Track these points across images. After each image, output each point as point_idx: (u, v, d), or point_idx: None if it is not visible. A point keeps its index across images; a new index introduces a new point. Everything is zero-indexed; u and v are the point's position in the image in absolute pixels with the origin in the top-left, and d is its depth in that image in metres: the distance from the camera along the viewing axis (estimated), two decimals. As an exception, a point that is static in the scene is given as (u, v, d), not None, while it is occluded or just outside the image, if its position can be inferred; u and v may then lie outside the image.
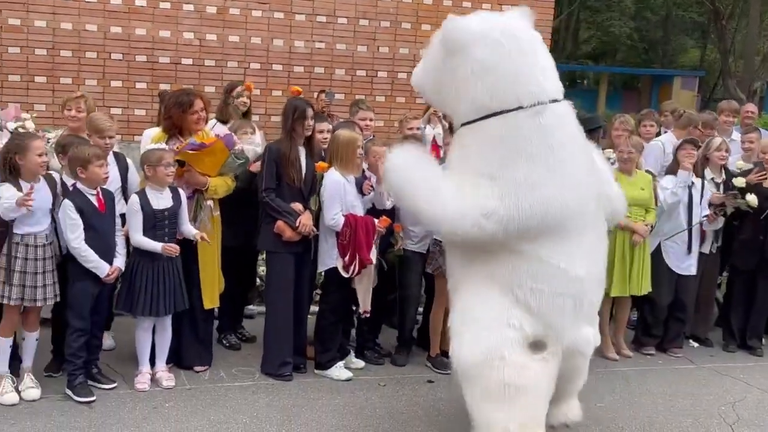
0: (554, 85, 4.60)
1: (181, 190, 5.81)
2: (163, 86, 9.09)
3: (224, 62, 9.62)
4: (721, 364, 7.19)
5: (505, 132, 4.44)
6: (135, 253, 5.72)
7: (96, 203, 5.49)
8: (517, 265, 4.53)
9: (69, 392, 5.50)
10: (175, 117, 6.02)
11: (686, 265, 7.18)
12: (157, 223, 5.67)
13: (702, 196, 7.18)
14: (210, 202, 6.03)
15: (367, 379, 6.23)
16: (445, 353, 6.18)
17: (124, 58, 9.41)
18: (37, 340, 5.62)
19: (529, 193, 4.35)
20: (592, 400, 5.99)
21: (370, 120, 7.41)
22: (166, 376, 5.88)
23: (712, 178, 7.37)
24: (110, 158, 5.96)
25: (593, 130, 7.41)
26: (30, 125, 6.14)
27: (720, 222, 7.36)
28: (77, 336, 5.51)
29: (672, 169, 7.15)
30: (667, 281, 7.09)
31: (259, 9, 9.68)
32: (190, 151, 5.87)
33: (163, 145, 5.86)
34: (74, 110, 6.18)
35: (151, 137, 6.16)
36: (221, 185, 6.04)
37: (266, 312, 6.30)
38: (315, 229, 6.04)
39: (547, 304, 4.51)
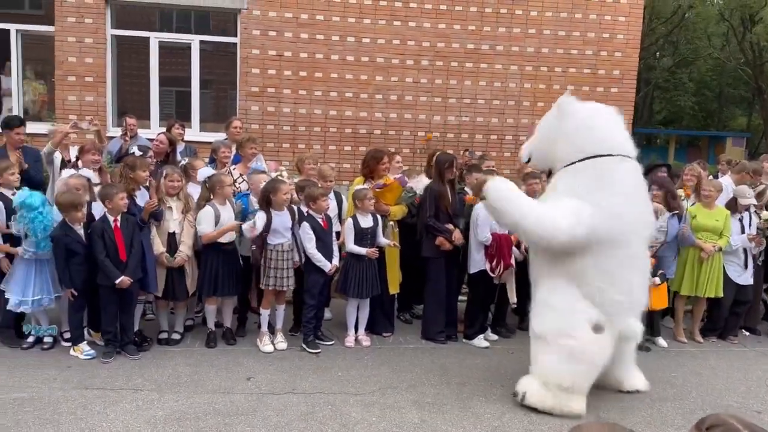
0: (633, 148, 4.68)
1: (378, 216, 5.98)
2: (362, 148, 9.51)
3: (401, 132, 9.88)
4: (767, 348, 6.69)
5: (596, 170, 4.50)
6: (348, 256, 5.87)
7: (322, 224, 5.79)
8: (588, 268, 4.49)
9: (304, 346, 5.76)
10: (372, 166, 6.28)
11: (744, 277, 6.72)
12: (363, 236, 5.83)
13: (750, 225, 6.74)
14: (391, 223, 6.18)
15: (500, 348, 6.19)
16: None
17: (337, 131, 9.82)
18: (284, 310, 5.95)
19: (612, 212, 4.39)
20: (666, 371, 5.74)
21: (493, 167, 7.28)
22: (365, 339, 6.03)
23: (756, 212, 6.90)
24: (331, 195, 6.26)
25: (664, 165, 8.04)
26: (285, 174, 6.43)
27: (764, 243, 6.88)
28: (310, 309, 5.79)
29: (730, 205, 6.77)
30: (730, 288, 6.67)
31: (424, 96, 9.91)
32: (377, 189, 6.08)
33: (365, 187, 6.15)
34: (310, 163, 6.62)
35: (356, 182, 6.46)
36: (398, 212, 6.20)
37: (426, 297, 6.29)
38: (463, 240, 6.09)
39: (607, 301, 4.50)
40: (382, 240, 5.98)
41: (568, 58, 10.11)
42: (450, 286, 6.21)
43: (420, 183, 6.61)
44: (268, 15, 9.47)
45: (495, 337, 6.41)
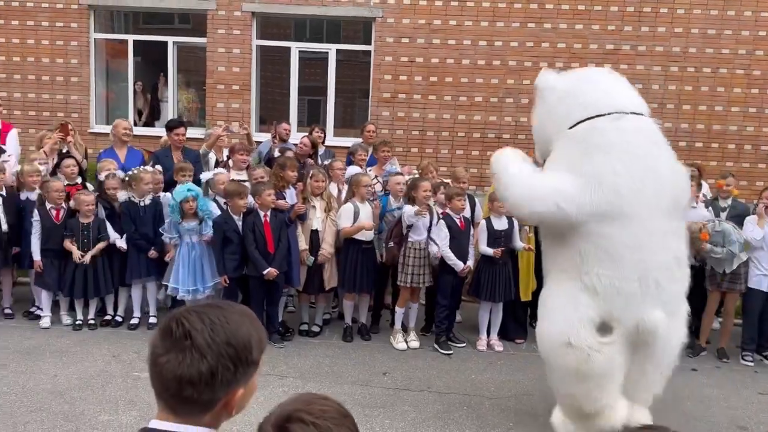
0: (635, 102, 3.90)
1: (513, 218, 5.87)
2: (490, 153, 9.48)
3: (515, 135, 9.63)
4: None
5: (587, 133, 3.77)
6: (482, 259, 5.88)
7: (459, 224, 5.83)
8: (586, 252, 3.66)
9: (436, 346, 5.83)
10: None
11: None
12: (497, 239, 5.81)
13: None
14: (526, 227, 6.04)
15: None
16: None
17: (465, 136, 9.85)
18: (416, 310, 6.05)
19: (603, 180, 3.59)
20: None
21: None
22: (497, 344, 5.98)
23: None
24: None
25: None
26: (416, 173, 6.60)
27: None
28: (443, 310, 5.85)
29: None
30: None
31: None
32: None
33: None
34: (431, 170, 6.62)
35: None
36: None
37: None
38: None
39: (612, 287, 3.61)
40: (517, 244, 5.94)
41: (718, 58, 9.48)
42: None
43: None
44: (401, 22, 9.72)
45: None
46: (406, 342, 5.90)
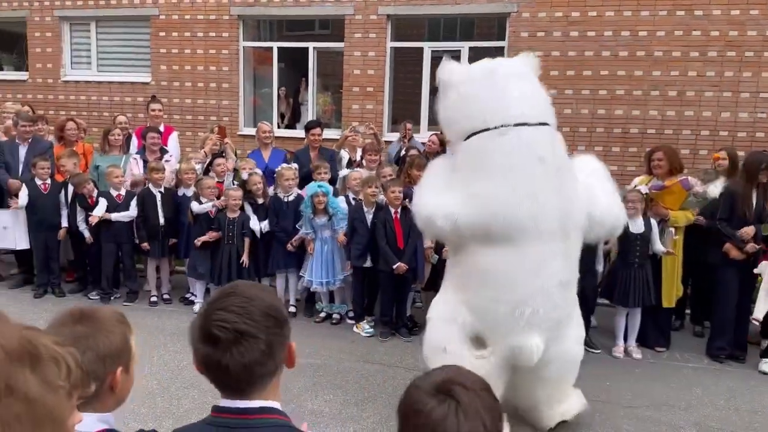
0: (526, 111, 3.60)
1: (652, 220, 5.60)
2: (632, 149, 9.01)
3: (680, 130, 9.09)
4: None
5: (474, 149, 3.68)
6: (618, 260, 5.64)
7: None
8: (470, 269, 3.74)
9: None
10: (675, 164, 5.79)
11: None
12: (631, 243, 5.52)
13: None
14: (672, 230, 5.69)
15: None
16: None
17: (605, 131, 9.41)
18: None
19: (482, 204, 3.54)
20: None
21: None
22: (636, 351, 5.69)
23: None
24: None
25: None
26: None
27: None
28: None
29: None
30: None
31: (710, 90, 8.97)
32: (654, 191, 5.71)
33: (642, 187, 5.80)
34: None
35: (638, 181, 6.12)
36: (681, 217, 5.70)
37: (714, 310, 5.73)
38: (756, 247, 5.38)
39: (486, 307, 3.65)
40: (657, 247, 5.59)
41: None
42: (742, 299, 5.59)
43: (717, 188, 5.96)
44: (537, 16, 9.48)
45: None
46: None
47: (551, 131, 3.72)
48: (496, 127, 3.59)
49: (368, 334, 5.94)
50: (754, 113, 8.81)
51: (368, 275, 6.05)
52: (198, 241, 6.24)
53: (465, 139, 3.75)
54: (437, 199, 3.77)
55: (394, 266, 5.68)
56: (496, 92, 3.67)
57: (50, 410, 0.91)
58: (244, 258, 6.23)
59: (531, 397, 4.04)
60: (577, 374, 4.14)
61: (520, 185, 3.52)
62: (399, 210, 5.78)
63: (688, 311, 6.52)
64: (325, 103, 11.92)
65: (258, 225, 6.32)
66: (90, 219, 6.30)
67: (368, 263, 5.93)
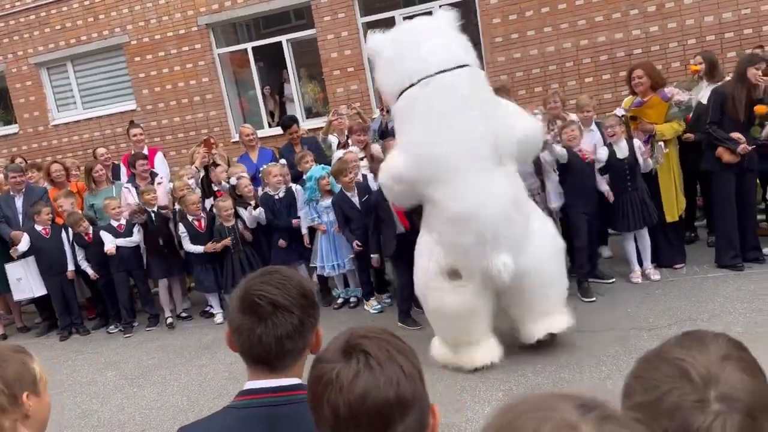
0: (443, 58, 3.94)
1: (636, 141, 5.49)
2: (622, 73, 8.79)
3: (666, 44, 8.85)
4: None
5: (404, 105, 4.04)
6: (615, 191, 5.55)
7: (581, 157, 5.46)
8: (431, 212, 4.17)
9: (578, 295, 5.43)
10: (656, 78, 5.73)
11: None
12: (619, 169, 5.47)
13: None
14: (661, 143, 5.55)
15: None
16: None
17: (592, 61, 9.20)
18: None
19: (420, 149, 3.96)
20: None
21: None
22: (653, 272, 5.62)
23: None
24: (593, 126, 5.94)
25: None
26: (539, 116, 6.13)
27: None
28: (580, 252, 5.52)
29: None
30: None
31: (689, -3, 8.70)
32: (635, 108, 5.64)
33: (617, 110, 5.72)
34: (557, 100, 6.32)
35: (625, 102, 6.04)
36: (667, 129, 5.59)
37: (714, 219, 5.65)
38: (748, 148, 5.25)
39: (453, 241, 4.03)
40: (647, 164, 5.49)
41: None
42: (742, 201, 5.47)
43: (703, 92, 5.90)
44: (499, -40, 9.29)
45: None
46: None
47: (471, 71, 4.06)
48: (419, 80, 3.91)
49: (376, 311, 5.97)
50: (737, 11, 8.54)
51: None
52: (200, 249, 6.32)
53: (396, 100, 4.12)
54: (386, 169, 4.28)
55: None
56: (413, 49, 4.00)
57: None
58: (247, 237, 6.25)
59: (518, 314, 4.42)
60: (564, 271, 4.50)
61: (448, 125, 3.88)
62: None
63: (697, 223, 6.42)
64: (314, 92, 11.87)
65: (245, 212, 6.26)
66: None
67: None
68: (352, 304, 6.34)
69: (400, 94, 4.03)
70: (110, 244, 6.40)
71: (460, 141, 3.87)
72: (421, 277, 4.36)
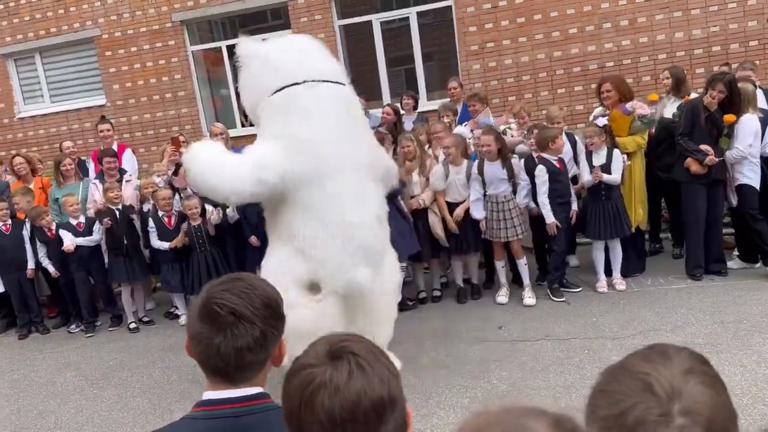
0: (329, 70, 4.09)
1: (616, 151, 5.51)
2: (594, 85, 8.90)
3: (638, 58, 9.02)
4: None
5: (285, 100, 3.94)
6: (587, 195, 5.66)
7: (557, 165, 5.56)
8: (294, 218, 3.88)
9: (549, 294, 5.65)
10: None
11: None
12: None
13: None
14: (623, 156, 5.60)
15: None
16: None
17: (565, 72, 9.31)
18: (525, 264, 5.75)
19: (302, 145, 3.81)
20: None
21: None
22: (620, 282, 5.68)
23: None
24: (564, 137, 6.03)
25: None
26: (514, 126, 6.38)
27: None
28: (556, 257, 5.67)
29: None
30: None
31: (660, 13, 8.88)
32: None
33: (599, 120, 5.78)
34: (523, 115, 6.36)
35: (596, 112, 6.18)
36: (630, 142, 5.68)
37: (685, 228, 5.75)
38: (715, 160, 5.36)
39: (318, 248, 3.81)
40: (606, 176, 5.52)
41: None
42: (711, 214, 5.58)
43: (668, 107, 6.03)
44: (477, -32, 9.36)
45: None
46: (521, 297, 5.74)
47: (352, 90, 4.24)
48: (305, 81, 3.93)
49: None
50: (706, 28, 8.75)
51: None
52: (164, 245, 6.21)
53: (270, 96, 3.99)
54: (246, 161, 3.86)
55: None
56: (301, 55, 4.07)
57: None
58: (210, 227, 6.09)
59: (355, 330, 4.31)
60: (396, 307, 4.42)
61: (334, 128, 3.90)
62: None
63: (662, 235, 6.55)
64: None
65: (213, 212, 6.14)
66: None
67: None
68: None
69: (277, 91, 3.95)
70: (69, 242, 6.23)
71: (345, 145, 3.91)
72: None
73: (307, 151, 3.80)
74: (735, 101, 5.32)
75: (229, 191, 3.87)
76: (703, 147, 5.38)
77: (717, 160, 5.37)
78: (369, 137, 4.39)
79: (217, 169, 3.83)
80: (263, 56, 4.08)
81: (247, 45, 4.20)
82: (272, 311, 1.38)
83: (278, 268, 3.91)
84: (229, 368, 1.35)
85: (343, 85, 4.15)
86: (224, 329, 1.32)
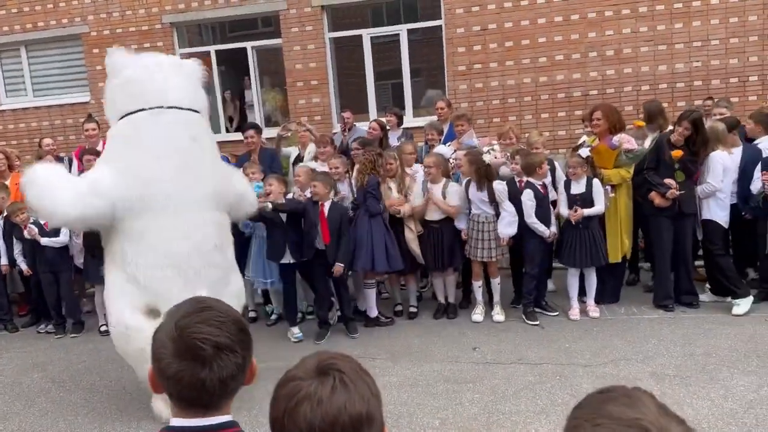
0: (182, 97, 4.09)
1: (595, 181, 5.60)
2: (578, 112, 9.05)
3: (621, 88, 9.18)
4: None
5: (130, 127, 4.00)
6: (565, 223, 5.69)
7: (541, 191, 5.63)
8: (126, 246, 3.93)
9: (523, 317, 5.70)
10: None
11: None
12: (571, 205, 5.62)
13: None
14: (608, 187, 5.73)
15: (758, 315, 5.48)
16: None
17: (549, 98, 9.45)
18: (498, 283, 5.84)
19: (137, 173, 3.87)
20: None
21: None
22: (593, 310, 5.73)
23: None
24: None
25: None
26: (497, 148, 6.37)
27: None
28: (531, 279, 5.73)
29: None
30: None
31: (645, 45, 9.06)
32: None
33: (582, 151, 5.85)
34: (511, 136, 6.44)
35: (585, 138, 6.27)
36: (614, 175, 5.76)
37: (655, 260, 5.84)
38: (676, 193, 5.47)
39: (151, 277, 3.87)
40: (588, 210, 5.60)
41: None
42: (680, 247, 5.67)
43: (648, 140, 6.14)
44: (470, -9, 9.47)
45: (748, 304, 5.57)
46: (491, 315, 5.81)
47: (202, 118, 4.27)
48: (152, 108, 3.95)
49: (297, 340, 5.70)
50: (689, 63, 8.94)
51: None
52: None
53: (119, 119, 4.06)
54: (80, 185, 3.93)
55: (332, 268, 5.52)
56: (157, 79, 4.04)
57: None
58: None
59: None
60: None
61: (173, 157, 3.94)
62: (326, 204, 5.56)
63: (640, 264, 6.64)
64: (276, 101, 11.78)
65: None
66: (29, 232, 6.02)
67: (289, 259, 5.59)
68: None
69: (125, 115, 4.02)
70: (33, 230, 6.03)
71: (182, 175, 3.95)
72: (119, 321, 4.03)
73: (141, 182, 3.86)
74: (699, 139, 5.43)
75: (63, 218, 3.99)
76: (667, 181, 5.49)
77: (678, 193, 5.47)
78: (217, 166, 4.42)
79: (52, 197, 3.86)
80: (124, 76, 4.10)
81: (113, 58, 4.20)
82: (245, 335, 1.36)
83: (118, 294, 4.01)
84: (213, 398, 1.32)
85: (197, 112, 4.19)
86: (209, 363, 1.28)
